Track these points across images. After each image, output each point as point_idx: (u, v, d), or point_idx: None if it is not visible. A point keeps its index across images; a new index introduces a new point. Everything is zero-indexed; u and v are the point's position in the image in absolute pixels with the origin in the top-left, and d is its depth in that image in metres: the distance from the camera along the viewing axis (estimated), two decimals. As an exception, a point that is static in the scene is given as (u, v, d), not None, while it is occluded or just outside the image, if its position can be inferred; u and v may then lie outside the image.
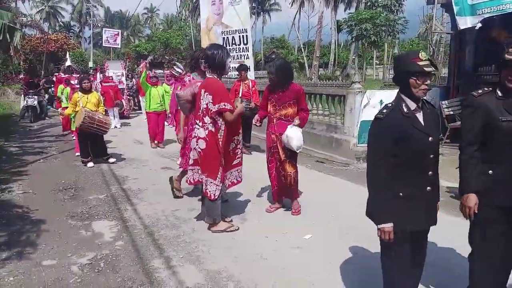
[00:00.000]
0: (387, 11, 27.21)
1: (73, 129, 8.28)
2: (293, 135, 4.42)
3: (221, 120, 3.97)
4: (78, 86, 8.14)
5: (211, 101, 3.94)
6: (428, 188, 2.36)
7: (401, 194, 2.32)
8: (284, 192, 4.80)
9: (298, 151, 4.55)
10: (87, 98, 7.23)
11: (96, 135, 7.19)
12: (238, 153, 4.29)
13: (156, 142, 9.09)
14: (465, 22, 7.70)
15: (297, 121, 4.52)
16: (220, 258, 3.60)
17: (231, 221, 4.40)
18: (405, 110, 2.30)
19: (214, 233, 4.14)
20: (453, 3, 7.85)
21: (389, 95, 7.27)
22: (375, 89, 10.88)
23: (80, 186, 6.02)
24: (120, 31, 25.31)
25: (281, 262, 3.52)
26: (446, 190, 5.22)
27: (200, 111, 4.06)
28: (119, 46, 25.30)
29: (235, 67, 8.88)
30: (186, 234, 4.16)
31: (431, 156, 2.33)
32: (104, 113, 7.48)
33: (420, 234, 2.47)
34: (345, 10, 41.99)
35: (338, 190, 5.75)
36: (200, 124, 4.05)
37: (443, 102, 8.34)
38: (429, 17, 35.09)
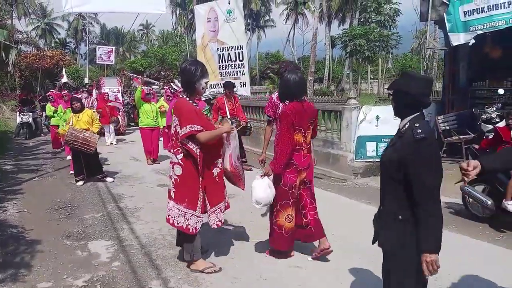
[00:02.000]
0: (380, 27, 27.60)
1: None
2: (254, 185, 3.76)
3: (193, 144, 3.48)
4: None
5: (178, 123, 3.50)
6: (381, 207, 2.30)
7: None
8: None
9: (258, 207, 3.81)
10: (78, 117, 7.26)
11: (89, 154, 7.11)
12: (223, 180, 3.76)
13: (151, 159, 9.05)
14: (458, 38, 7.83)
15: (265, 170, 3.75)
16: (219, 279, 3.55)
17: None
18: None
19: (212, 254, 4.07)
20: (445, 20, 7.99)
21: (385, 111, 7.30)
22: (371, 104, 10.96)
23: (75, 204, 5.96)
24: (113, 47, 25.43)
25: (281, 283, 3.47)
26: (445, 206, 5.21)
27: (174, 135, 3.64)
28: (113, 63, 25.39)
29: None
30: (184, 254, 4.08)
31: (383, 175, 2.25)
32: (97, 131, 7.46)
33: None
34: (338, 26, 42.58)
35: (337, 207, 5.72)
36: (175, 150, 3.59)
37: (438, 117, 8.40)
38: (421, 33, 35.64)
